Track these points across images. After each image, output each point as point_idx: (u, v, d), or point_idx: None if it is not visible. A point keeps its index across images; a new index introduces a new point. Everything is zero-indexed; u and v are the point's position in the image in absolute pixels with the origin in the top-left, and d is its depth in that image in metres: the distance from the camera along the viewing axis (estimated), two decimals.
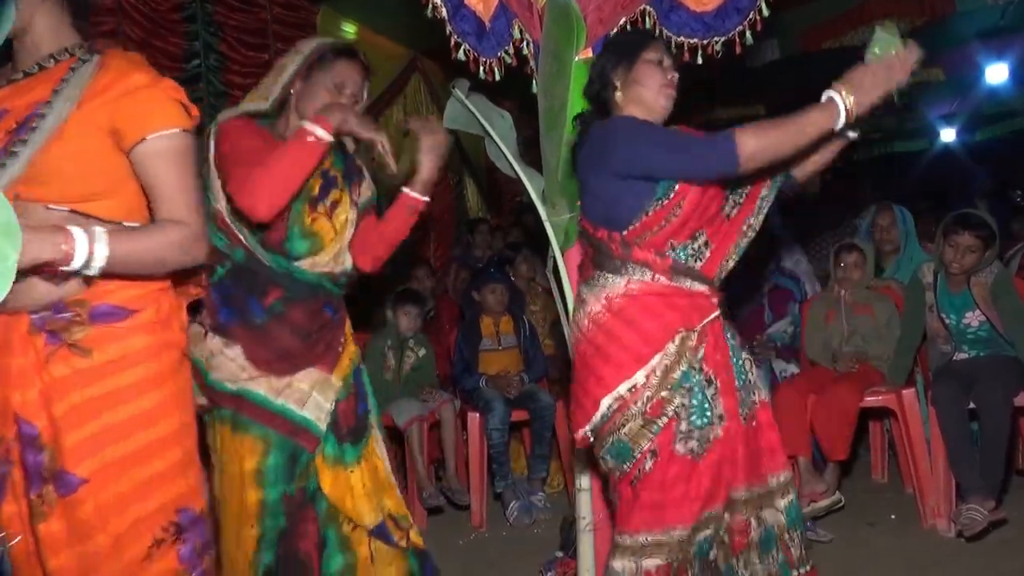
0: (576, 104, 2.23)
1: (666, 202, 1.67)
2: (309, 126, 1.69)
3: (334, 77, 1.81)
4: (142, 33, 3.86)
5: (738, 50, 2.20)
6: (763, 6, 2.19)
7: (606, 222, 1.73)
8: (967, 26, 6.55)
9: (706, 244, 1.75)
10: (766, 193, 1.82)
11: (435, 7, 2.07)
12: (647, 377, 1.66)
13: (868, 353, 3.07)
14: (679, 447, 1.66)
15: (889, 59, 1.60)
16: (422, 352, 3.58)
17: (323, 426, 1.82)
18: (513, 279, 3.99)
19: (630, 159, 1.66)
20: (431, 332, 4.21)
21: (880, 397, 2.94)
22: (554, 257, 2.33)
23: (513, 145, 2.32)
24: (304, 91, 1.81)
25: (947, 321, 2.88)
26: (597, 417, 1.70)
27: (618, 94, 1.78)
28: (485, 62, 2.18)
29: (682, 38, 2.26)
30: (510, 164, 2.36)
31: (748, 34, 2.21)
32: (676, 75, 1.79)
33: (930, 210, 5.08)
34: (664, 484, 1.66)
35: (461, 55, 2.14)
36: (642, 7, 2.28)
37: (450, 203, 6.66)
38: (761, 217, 1.82)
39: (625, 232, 1.70)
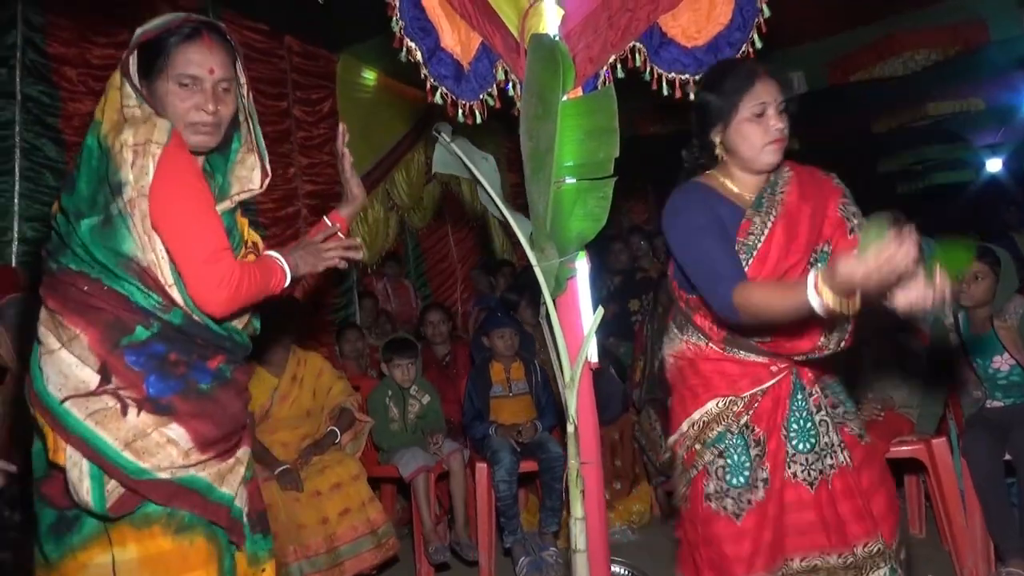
0: (565, 146, 2.16)
1: None
2: (282, 267, 1.55)
3: (177, 72, 1.42)
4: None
5: None
6: (755, 38, 2.10)
7: (679, 279, 1.80)
8: (1004, 54, 6.35)
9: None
10: None
11: (410, 50, 2.03)
12: (688, 427, 1.77)
13: (895, 399, 2.88)
14: (712, 504, 1.72)
15: (877, 251, 1.30)
16: (426, 399, 3.50)
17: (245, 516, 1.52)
18: (521, 322, 3.89)
19: (676, 247, 1.74)
20: (447, 377, 4.13)
21: (908, 447, 2.75)
22: (546, 304, 2.23)
23: (499, 188, 2.24)
24: (156, 102, 1.43)
25: (975, 365, 2.69)
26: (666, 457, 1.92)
27: (719, 151, 1.76)
28: (464, 105, 2.12)
29: (673, 74, 2.19)
30: (498, 207, 2.29)
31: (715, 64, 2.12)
32: (783, 123, 1.69)
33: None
34: (706, 541, 1.73)
35: (438, 98, 2.09)
36: (632, 44, 2.21)
37: (474, 245, 6.64)
38: (835, 336, 1.69)
39: (691, 297, 1.76)
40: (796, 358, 1.72)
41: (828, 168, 1.89)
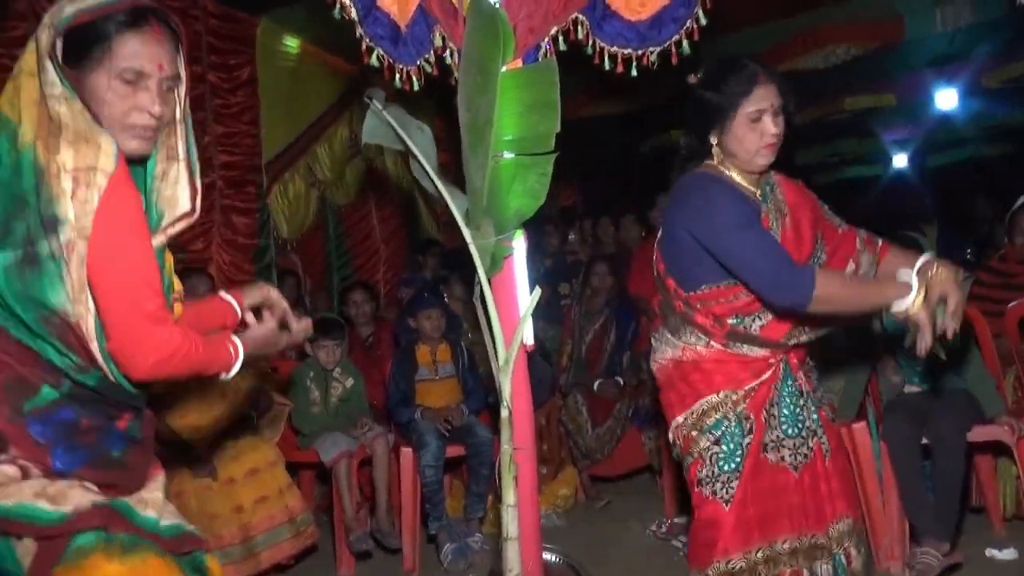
0: (504, 119, 2.07)
1: (741, 281, 1.70)
2: (235, 351, 1.32)
3: (119, 66, 1.19)
4: None
5: (674, 60, 2.05)
6: (700, 15, 2.05)
7: (677, 274, 1.77)
8: (917, 53, 6.59)
9: (769, 310, 1.73)
10: None
11: (344, 7, 1.89)
12: (685, 418, 1.78)
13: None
14: (704, 490, 1.75)
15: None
16: (350, 382, 3.35)
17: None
18: (448, 301, 3.79)
19: (709, 233, 1.68)
20: (370, 359, 3.99)
21: None
22: (480, 284, 2.15)
23: (434, 160, 2.13)
24: (85, 97, 1.19)
25: (894, 351, 2.76)
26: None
27: (715, 149, 1.76)
28: (402, 70, 2.00)
29: (615, 48, 2.12)
30: (432, 181, 2.18)
31: (685, 43, 2.07)
32: (779, 128, 1.71)
33: (882, 235, 5.03)
34: (698, 525, 1.77)
35: (374, 60, 1.96)
36: (574, 16, 2.13)
37: (398, 224, 6.47)
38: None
39: (690, 294, 1.74)
40: (791, 342, 1.76)
41: None
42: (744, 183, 1.77)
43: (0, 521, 1.12)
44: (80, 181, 1.12)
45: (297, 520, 2.79)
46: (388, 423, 3.43)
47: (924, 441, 2.57)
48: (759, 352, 1.74)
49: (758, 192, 1.78)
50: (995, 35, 6.02)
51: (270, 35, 4.98)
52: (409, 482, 3.13)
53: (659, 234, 1.88)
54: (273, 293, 1.53)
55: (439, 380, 3.41)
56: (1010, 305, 2.79)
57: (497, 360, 2.12)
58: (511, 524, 2.09)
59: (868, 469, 2.71)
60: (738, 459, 1.73)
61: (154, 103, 1.22)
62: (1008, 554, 2.68)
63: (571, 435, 3.75)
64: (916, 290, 1.55)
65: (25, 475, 1.14)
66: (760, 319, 1.74)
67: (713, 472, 1.74)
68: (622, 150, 8.03)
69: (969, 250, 4.75)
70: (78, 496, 1.17)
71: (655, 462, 3.65)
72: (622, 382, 3.85)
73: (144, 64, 1.21)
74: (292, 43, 5.18)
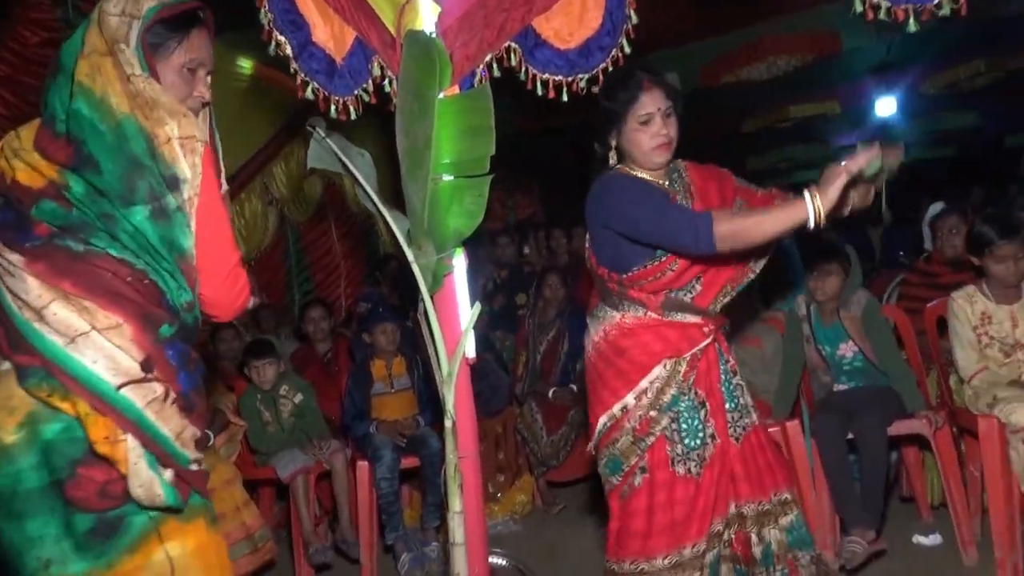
0: (442, 143, 2.17)
1: (664, 258, 1.87)
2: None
3: (189, 57, 1.38)
4: (8, 69, 3.65)
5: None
6: (624, 43, 2.18)
7: (608, 264, 1.94)
8: (857, 61, 6.84)
9: (698, 279, 1.92)
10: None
11: (279, 44, 1.98)
12: (636, 399, 1.87)
13: (756, 385, 3.07)
14: (679, 468, 1.87)
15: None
16: (299, 398, 3.38)
17: None
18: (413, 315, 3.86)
19: (618, 220, 1.87)
20: (328, 375, 4.05)
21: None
22: (423, 301, 2.24)
23: (375, 184, 2.23)
24: (155, 76, 1.36)
25: (823, 352, 2.91)
26: (596, 434, 1.95)
27: (612, 154, 1.96)
28: (338, 101, 2.09)
29: (547, 75, 2.24)
30: (375, 204, 2.27)
31: (612, 70, 2.20)
32: (670, 128, 1.89)
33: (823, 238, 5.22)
34: (663, 506, 1.86)
35: (309, 94, 2.05)
36: (508, 44, 2.25)
37: (358, 240, 6.53)
38: (762, 262, 1.96)
39: (624, 276, 1.90)
40: (719, 307, 1.93)
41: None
42: (649, 177, 1.96)
43: (156, 446, 1.29)
44: (187, 148, 1.31)
45: (255, 536, 2.84)
46: (345, 438, 3.50)
47: (850, 436, 2.71)
48: (693, 318, 1.90)
49: (665, 183, 1.97)
50: (929, 44, 6.28)
51: (223, 58, 5.00)
52: (365, 494, 3.19)
53: (587, 235, 2.04)
54: None
55: (395, 393, 3.48)
56: (928, 304, 2.95)
57: (441, 373, 2.22)
58: (457, 530, 2.19)
59: (801, 465, 2.85)
60: (700, 435, 1.87)
61: (207, 89, 1.41)
62: (933, 540, 2.84)
63: (527, 443, 3.84)
64: (813, 201, 1.62)
65: (166, 397, 1.32)
66: (690, 292, 1.92)
67: (684, 451, 1.86)
68: (577, 161, 8.19)
69: (902, 252, 4.97)
70: (192, 447, 1.35)
71: None
72: (576, 389, 3.96)
73: (204, 56, 1.40)
74: (246, 64, 5.23)
